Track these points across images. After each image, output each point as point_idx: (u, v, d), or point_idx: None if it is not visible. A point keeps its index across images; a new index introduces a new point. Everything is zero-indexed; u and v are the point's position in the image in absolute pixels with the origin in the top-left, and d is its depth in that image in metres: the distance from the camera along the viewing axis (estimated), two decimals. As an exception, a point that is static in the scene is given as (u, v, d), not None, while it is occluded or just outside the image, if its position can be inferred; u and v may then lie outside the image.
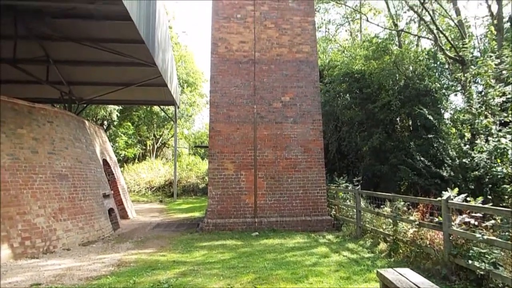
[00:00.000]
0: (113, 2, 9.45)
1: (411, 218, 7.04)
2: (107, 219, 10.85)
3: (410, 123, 16.88)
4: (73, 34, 13.20)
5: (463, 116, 14.31)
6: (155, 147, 35.89)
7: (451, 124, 15.01)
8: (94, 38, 13.41)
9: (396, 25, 20.84)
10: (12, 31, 12.53)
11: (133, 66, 15.28)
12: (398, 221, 7.39)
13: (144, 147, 35.55)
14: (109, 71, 16.62)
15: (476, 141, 13.18)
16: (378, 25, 23.82)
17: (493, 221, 5.62)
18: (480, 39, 21.40)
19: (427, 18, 19.36)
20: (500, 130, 12.57)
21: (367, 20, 23.56)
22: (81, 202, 9.60)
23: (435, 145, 14.13)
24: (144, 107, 30.08)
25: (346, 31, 28.36)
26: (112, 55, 13.98)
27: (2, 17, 11.89)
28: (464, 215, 6.00)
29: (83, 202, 9.72)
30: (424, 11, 19.26)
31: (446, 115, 16.25)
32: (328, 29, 26.32)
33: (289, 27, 10.83)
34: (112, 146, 23.10)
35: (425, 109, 14.35)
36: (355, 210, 9.44)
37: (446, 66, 18.20)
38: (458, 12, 18.73)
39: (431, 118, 14.01)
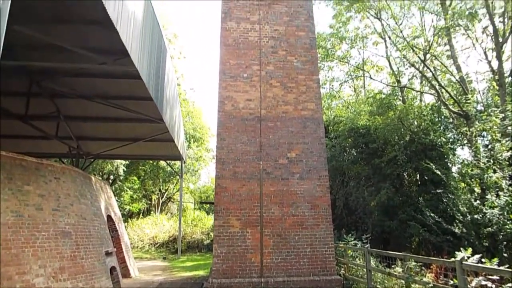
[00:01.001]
0: (125, 63, 9.81)
1: (425, 279, 6.73)
2: (108, 278, 10.50)
3: (418, 177, 16.73)
4: (83, 91, 13.65)
5: (471, 170, 14.18)
6: (160, 201, 35.65)
7: (460, 178, 14.84)
8: (103, 95, 13.83)
9: (398, 81, 21.33)
10: (25, 89, 13.01)
11: (141, 122, 15.59)
12: (411, 283, 7.06)
13: (149, 202, 35.31)
14: (117, 126, 16.95)
15: (487, 196, 12.94)
16: (381, 82, 24.42)
17: (510, 284, 5.34)
18: (483, 93, 21.79)
19: (429, 74, 19.86)
20: (511, 185, 12.38)
21: (370, 78, 24.19)
22: (82, 261, 9.34)
23: (444, 200, 13.89)
24: (151, 162, 30.28)
25: (350, 87, 29.09)
26: (120, 111, 14.34)
27: (17, 76, 12.41)
28: (480, 277, 5.73)
29: (85, 260, 9.46)
30: (425, 67, 19.81)
31: (454, 169, 16.12)
32: (332, 85, 27.03)
33: (294, 85, 11.11)
34: (117, 201, 22.97)
35: (432, 164, 14.27)
36: (365, 270, 9.08)
37: (451, 121, 18.35)
38: (459, 69, 19.23)
39: (439, 173, 13.89)
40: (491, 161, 13.49)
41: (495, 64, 18.05)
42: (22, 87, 13.02)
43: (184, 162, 23.12)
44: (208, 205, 35.57)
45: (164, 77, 12.33)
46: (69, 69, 12.05)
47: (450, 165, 15.83)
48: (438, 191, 13.94)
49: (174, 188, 35.81)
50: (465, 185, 14.39)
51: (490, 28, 17.79)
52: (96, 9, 7.51)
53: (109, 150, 18.94)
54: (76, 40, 10.19)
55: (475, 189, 14.19)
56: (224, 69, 11.01)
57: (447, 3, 19.15)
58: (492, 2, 17.62)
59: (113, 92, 13.90)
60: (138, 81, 10.42)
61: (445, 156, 15.45)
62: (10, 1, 4.07)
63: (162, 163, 29.87)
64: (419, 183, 16.37)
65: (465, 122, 16.83)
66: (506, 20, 17.54)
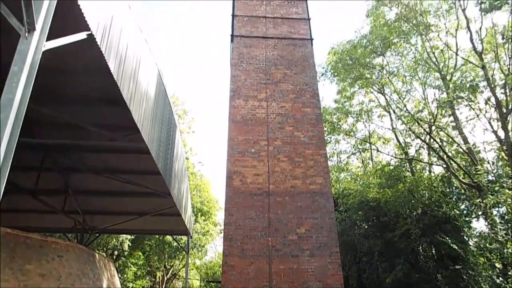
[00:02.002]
0: (135, 139, 10.01)
1: None
2: None
3: (434, 252, 16.03)
4: (92, 165, 13.80)
5: (490, 244, 13.60)
6: (165, 279, 34.20)
7: (478, 253, 14.17)
8: (112, 169, 13.94)
9: (406, 153, 21.40)
10: (37, 164, 13.22)
11: (148, 196, 15.50)
12: None
13: (153, 279, 33.90)
14: (124, 200, 16.83)
15: (509, 272, 12.27)
16: (388, 154, 24.49)
17: None
18: (492, 163, 21.65)
19: (436, 146, 19.95)
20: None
21: (377, 150, 24.34)
22: None
23: (464, 277, 13.14)
24: (157, 236, 29.61)
25: (357, 159, 29.16)
26: (128, 185, 14.34)
27: (30, 152, 12.68)
28: None
29: None
30: (431, 139, 19.97)
31: (471, 243, 15.47)
32: (340, 158, 27.17)
33: (302, 160, 11.16)
34: (120, 278, 22.08)
35: (447, 238, 13.75)
36: None
37: (462, 192, 18.03)
38: (465, 140, 19.32)
39: (456, 247, 13.31)
40: (510, 233, 12.99)
41: (501, 134, 18.16)
42: (34, 162, 13.23)
43: (191, 237, 22.57)
44: (214, 283, 34.01)
45: (173, 152, 12.50)
46: (81, 145, 12.31)
47: (466, 239, 15.22)
48: (457, 267, 13.26)
49: (179, 264, 34.56)
50: (485, 260, 13.69)
51: (493, 99, 18.16)
52: (111, 90, 7.84)
53: (114, 225, 18.64)
54: (89, 118, 10.53)
55: (496, 264, 13.49)
56: (232, 144, 11.17)
57: (448, 77, 19.85)
58: (492, 75, 18.22)
59: (122, 167, 14.02)
60: (147, 156, 10.55)
61: (461, 229, 14.92)
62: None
63: (168, 238, 29.19)
64: (436, 258, 15.64)
65: (477, 193, 16.51)
66: (508, 91, 17.98)
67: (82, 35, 5.87)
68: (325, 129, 21.70)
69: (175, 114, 14.12)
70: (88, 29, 5.90)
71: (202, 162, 72.93)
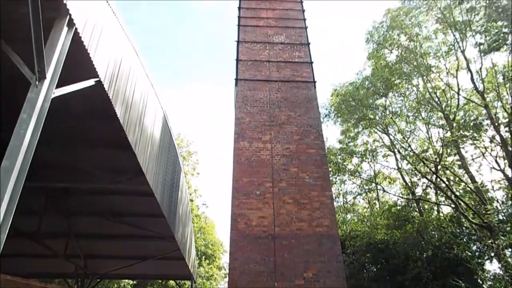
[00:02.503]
0: (139, 181, 9.98)
1: None
2: None
3: (448, 297, 15.40)
4: (95, 208, 13.68)
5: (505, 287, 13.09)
6: (167, 326, 32.87)
7: (496, 297, 13.60)
8: (115, 212, 13.79)
9: (413, 193, 21.13)
10: (39, 207, 13.11)
11: (151, 240, 15.24)
12: None
13: (155, 326, 32.58)
14: (127, 244, 16.53)
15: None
16: (395, 195, 24.21)
17: None
18: (502, 202, 21.24)
19: (443, 185, 19.72)
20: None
21: (384, 191, 24.09)
22: None
23: (483, 323, 12.55)
24: (159, 281, 28.79)
25: (363, 199, 28.80)
26: (131, 228, 14.14)
27: (34, 196, 12.62)
28: None
29: None
30: (438, 179, 19.77)
31: (486, 286, 14.88)
32: (346, 198, 26.85)
33: (307, 201, 11.02)
34: (121, 327, 21.25)
35: (460, 281, 13.26)
36: None
37: (473, 232, 17.59)
38: (473, 179, 19.10)
39: (471, 292, 12.82)
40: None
41: (509, 172, 17.95)
42: (36, 205, 13.15)
43: (195, 282, 21.92)
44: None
45: (177, 195, 12.41)
46: (85, 188, 12.28)
47: (480, 282, 14.68)
48: (474, 313, 12.70)
49: (182, 310, 33.32)
50: (504, 305, 13.12)
51: (498, 137, 18.11)
52: (117, 134, 7.91)
53: (116, 269, 18.19)
54: (94, 161, 10.57)
55: (515, 310, 12.90)
56: (237, 186, 11.09)
57: (451, 116, 19.95)
58: (495, 114, 18.30)
59: (125, 209, 13.88)
60: (151, 198, 10.47)
61: (474, 272, 14.41)
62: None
63: (171, 282, 28.36)
64: (450, 303, 15.01)
65: (488, 234, 16.10)
66: (512, 129, 17.96)
67: (90, 82, 6.01)
68: (330, 169, 21.61)
69: (180, 156, 14.16)
70: (96, 76, 6.06)
71: (207, 204, 72.29)
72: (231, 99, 13.11)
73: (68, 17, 5.23)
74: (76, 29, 5.42)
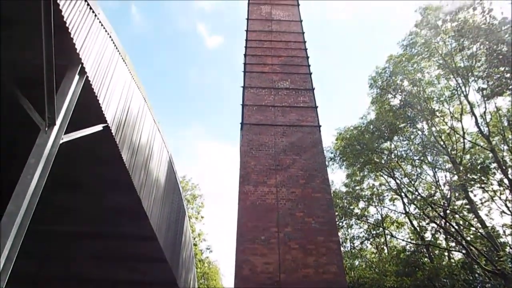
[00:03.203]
0: (142, 226, 9.88)
1: None
2: None
3: None
4: (97, 252, 13.44)
5: None
6: None
7: None
8: (116, 257, 13.53)
9: (422, 238, 20.62)
10: (40, 251, 12.91)
11: (153, 286, 14.82)
12: None
13: None
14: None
15: None
16: (403, 240, 23.62)
17: None
18: (516, 248, 20.57)
19: (453, 230, 19.24)
20: None
21: (392, 236, 23.56)
22: None
23: None
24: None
25: (371, 244, 28.08)
26: (132, 274, 13.80)
27: (35, 240, 12.47)
28: None
29: None
30: (447, 223, 19.33)
31: None
32: (353, 243, 26.20)
33: (313, 247, 10.77)
34: None
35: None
36: None
37: (487, 280, 16.94)
38: (483, 224, 18.64)
39: None
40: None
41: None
42: (37, 249, 12.97)
43: (197, 331, 21.04)
44: None
45: (181, 240, 12.23)
46: (88, 231, 12.15)
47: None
48: None
49: None
50: None
51: (506, 181, 17.86)
52: (122, 178, 7.94)
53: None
54: (96, 204, 10.53)
55: None
56: (242, 232, 10.91)
57: (457, 160, 19.84)
58: (502, 157, 18.18)
59: (127, 254, 13.63)
60: (154, 243, 10.32)
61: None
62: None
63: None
64: None
65: (503, 281, 15.48)
66: (520, 172, 17.74)
67: (98, 127, 6.14)
68: (337, 213, 21.29)
69: (184, 200, 14.09)
70: (105, 122, 6.19)
71: (211, 248, 70.82)
72: (237, 143, 13.22)
73: (80, 65, 5.44)
74: (87, 77, 5.62)
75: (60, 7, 5.02)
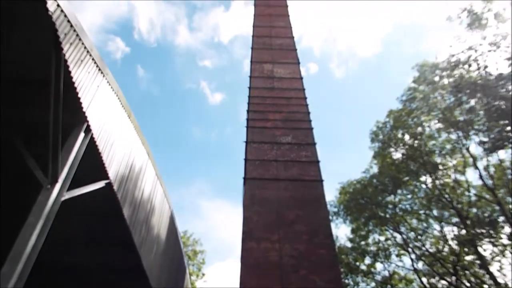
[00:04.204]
0: (143, 283, 9.55)
1: None
2: None
3: None
4: None
5: None
6: None
7: None
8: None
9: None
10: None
11: None
12: None
13: None
14: None
15: None
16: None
17: None
18: None
19: (464, 287, 18.46)
20: None
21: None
22: None
23: None
24: None
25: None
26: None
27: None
28: None
29: None
30: (458, 280, 18.59)
31: None
32: (363, 302, 25.02)
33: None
34: None
35: None
36: None
37: None
38: (496, 281, 17.90)
39: None
40: None
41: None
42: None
43: None
44: None
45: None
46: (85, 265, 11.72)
47: None
48: None
49: None
50: None
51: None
52: (123, 234, 7.82)
53: None
54: (96, 260, 10.25)
55: None
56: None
57: (464, 213, 19.50)
58: (509, 210, 17.86)
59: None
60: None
61: None
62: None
63: None
64: None
65: None
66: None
67: (101, 184, 6.15)
68: (342, 270, 20.60)
69: (185, 256, 13.74)
70: (107, 178, 6.21)
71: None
72: (240, 199, 13.11)
73: (86, 124, 5.56)
74: (92, 134, 5.73)
75: (70, 68, 5.24)
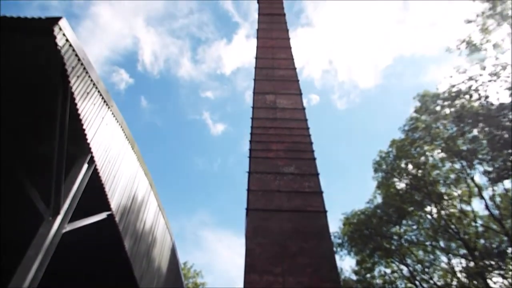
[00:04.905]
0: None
1: None
2: None
3: None
4: None
5: None
6: None
7: None
8: None
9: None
10: None
11: None
12: None
13: None
14: None
15: None
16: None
17: None
18: None
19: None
20: None
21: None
22: None
23: None
24: None
25: None
26: None
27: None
28: None
29: None
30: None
31: None
32: None
33: None
34: None
35: None
36: None
37: None
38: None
39: None
40: None
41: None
42: None
43: None
44: None
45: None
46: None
47: None
48: None
49: None
50: None
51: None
52: (123, 266, 7.69)
53: None
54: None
55: None
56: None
57: (471, 244, 19.11)
58: (517, 245, 17.51)
59: None
60: None
61: None
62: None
63: None
64: None
65: None
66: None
67: (102, 215, 6.12)
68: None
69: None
70: (109, 210, 6.18)
71: None
72: (242, 230, 12.94)
73: (90, 155, 5.60)
74: (95, 165, 5.75)
75: (76, 101, 5.33)
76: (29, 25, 4.76)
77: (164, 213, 9.92)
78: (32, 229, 5.42)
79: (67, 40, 4.99)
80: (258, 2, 26.70)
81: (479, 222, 20.01)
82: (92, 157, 5.64)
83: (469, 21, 18.34)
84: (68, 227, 5.10)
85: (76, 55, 5.21)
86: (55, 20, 4.82)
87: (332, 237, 12.94)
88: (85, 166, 5.57)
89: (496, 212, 18.85)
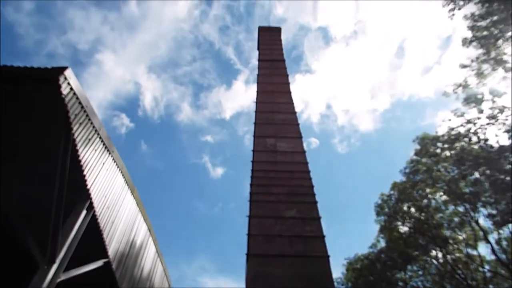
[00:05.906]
0: None
1: None
2: None
3: None
4: None
5: None
6: None
7: None
8: None
9: None
10: None
11: None
12: None
13: None
14: None
15: None
16: None
17: None
18: None
19: None
20: None
21: None
22: None
23: None
24: None
25: None
26: None
27: None
28: None
29: None
30: None
31: None
32: None
33: None
34: None
35: None
36: None
37: None
38: None
39: None
40: None
41: None
42: None
43: None
44: None
45: None
46: None
47: None
48: None
49: None
50: None
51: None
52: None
53: None
54: None
55: None
56: None
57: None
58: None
59: None
60: None
61: None
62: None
63: None
64: None
65: None
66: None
67: (99, 263, 5.99)
68: None
69: None
70: (106, 257, 6.06)
71: None
72: (243, 276, 12.60)
73: (89, 201, 5.58)
74: (94, 211, 5.71)
75: (78, 147, 5.39)
76: (36, 75, 4.92)
77: (162, 259, 9.69)
78: (26, 276, 5.30)
79: (71, 88, 5.13)
80: (258, 49, 27.58)
81: (487, 267, 19.47)
82: (91, 203, 5.62)
83: (464, 66, 18.78)
84: (63, 276, 4.99)
85: (80, 103, 5.33)
86: (61, 70, 4.99)
87: (336, 283, 12.55)
88: (84, 212, 5.53)
89: (503, 256, 18.38)
